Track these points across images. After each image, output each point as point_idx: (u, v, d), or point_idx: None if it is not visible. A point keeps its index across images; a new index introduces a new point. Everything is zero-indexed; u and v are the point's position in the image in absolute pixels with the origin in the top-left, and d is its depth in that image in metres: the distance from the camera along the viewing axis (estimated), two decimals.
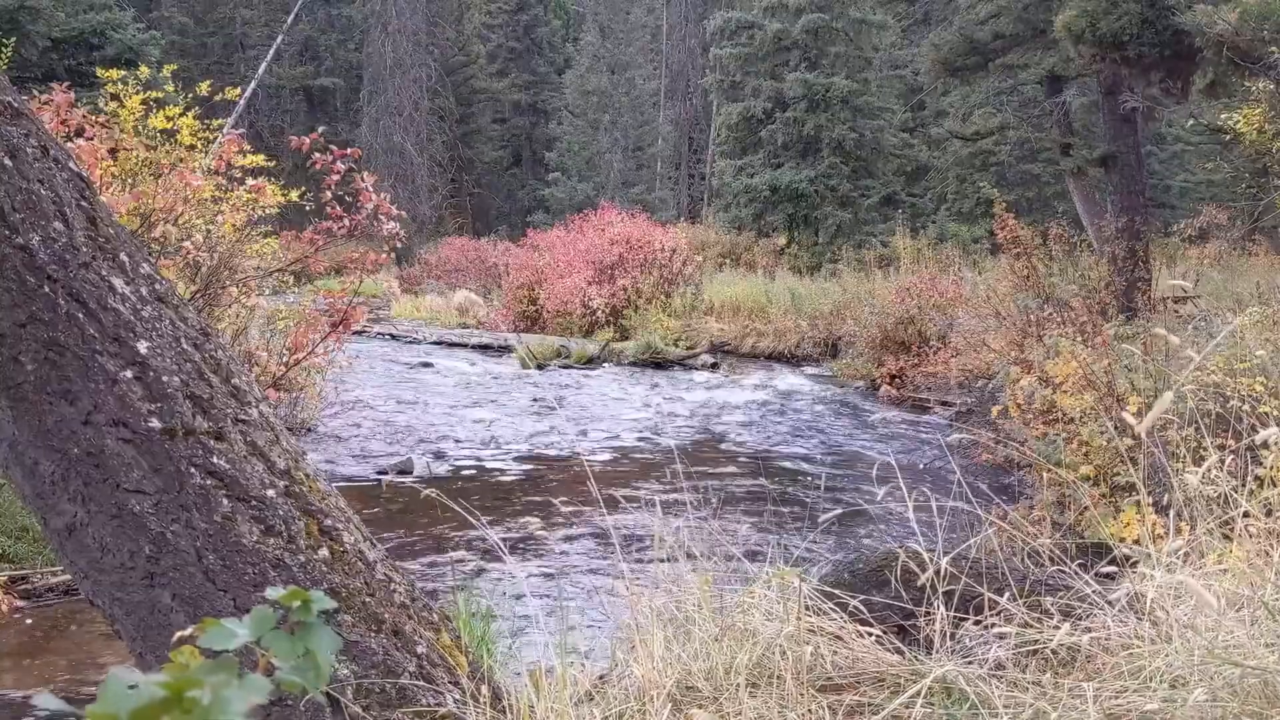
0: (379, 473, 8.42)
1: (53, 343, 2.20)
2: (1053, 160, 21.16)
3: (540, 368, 15.67)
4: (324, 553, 2.26)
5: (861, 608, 2.41)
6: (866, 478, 8.71)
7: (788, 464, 9.30)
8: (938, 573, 2.22)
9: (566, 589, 5.65)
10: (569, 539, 6.69)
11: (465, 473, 8.66)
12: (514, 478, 8.51)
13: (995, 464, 7.93)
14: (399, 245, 7.97)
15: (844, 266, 22.50)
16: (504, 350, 17.35)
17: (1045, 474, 6.52)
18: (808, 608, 2.42)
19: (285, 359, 8.28)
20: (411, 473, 8.47)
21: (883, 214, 27.48)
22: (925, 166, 30.16)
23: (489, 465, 8.88)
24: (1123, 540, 4.37)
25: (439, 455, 9.23)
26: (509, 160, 45.65)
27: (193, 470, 2.19)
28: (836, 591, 2.51)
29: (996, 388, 9.44)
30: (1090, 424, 6.28)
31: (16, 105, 2.41)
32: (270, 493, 2.25)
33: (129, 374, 2.22)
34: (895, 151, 28.99)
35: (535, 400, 12.55)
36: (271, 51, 31.46)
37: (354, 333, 8.83)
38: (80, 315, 2.23)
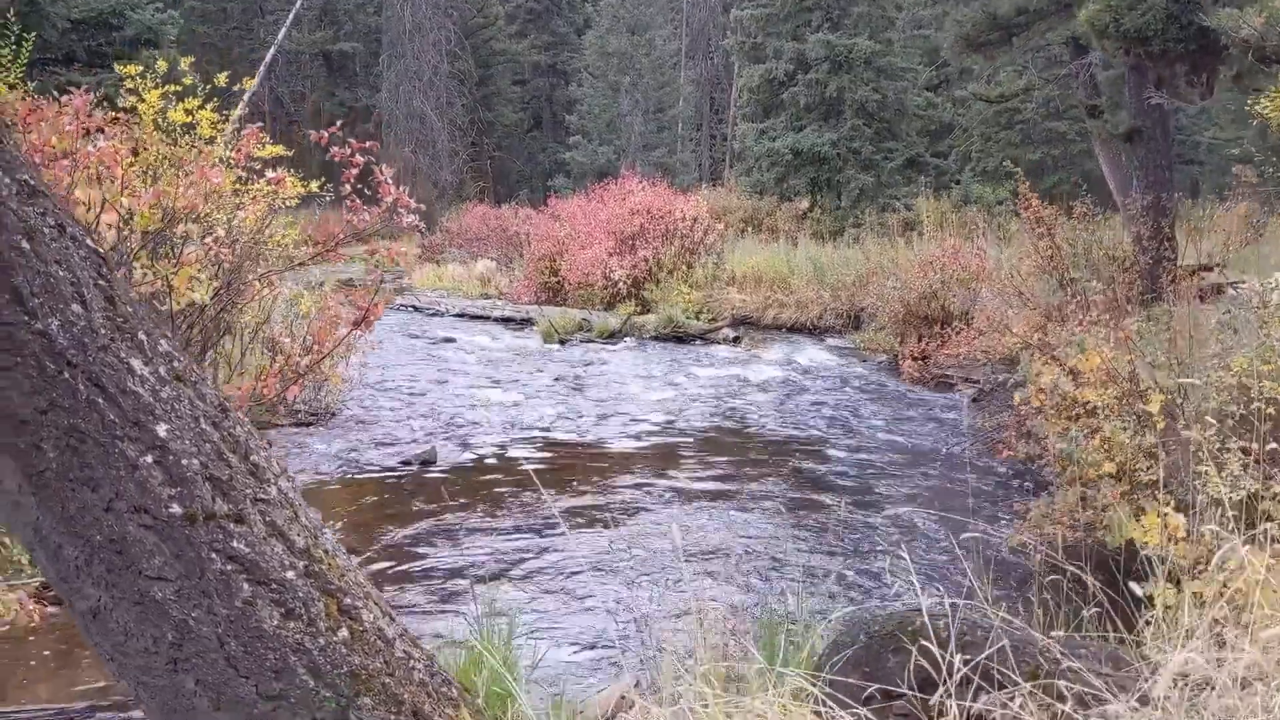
0: (403, 463, 8.49)
1: (73, 429, 2.23)
2: (1079, 118, 20.86)
3: (563, 342, 15.69)
4: (344, 633, 2.30)
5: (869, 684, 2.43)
6: (889, 465, 8.71)
7: (808, 449, 9.31)
8: (949, 667, 2.23)
9: (590, 591, 5.70)
10: (590, 534, 6.74)
11: (488, 461, 8.71)
12: (536, 466, 8.56)
13: (1017, 457, 7.90)
14: (420, 230, 7.99)
15: (867, 232, 22.34)
16: (526, 323, 17.37)
17: (1067, 469, 6.50)
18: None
19: (309, 344, 8.31)
20: (434, 462, 8.54)
21: (906, 177, 27.19)
22: (949, 125, 29.78)
23: (511, 454, 8.93)
24: (1145, 545, 4.36)
25: (462, 443, 9.28)
26: (529, 123, 45.43)
27: (213, 555, 2.23)
28: (837, 693, 2.52)
29: (1019, 379, 9.40)
30: (1113, 419, 6.25)
31: (33, 183, 2.41)
32: (290, 574, 2.28)
33: (149, 459, 2.25)
34: (919, 112, 28.62)
35: (557, 379, 12.60)
36: (291, 16, 31.35)
37: None
38: (100, 400, 2.25)
